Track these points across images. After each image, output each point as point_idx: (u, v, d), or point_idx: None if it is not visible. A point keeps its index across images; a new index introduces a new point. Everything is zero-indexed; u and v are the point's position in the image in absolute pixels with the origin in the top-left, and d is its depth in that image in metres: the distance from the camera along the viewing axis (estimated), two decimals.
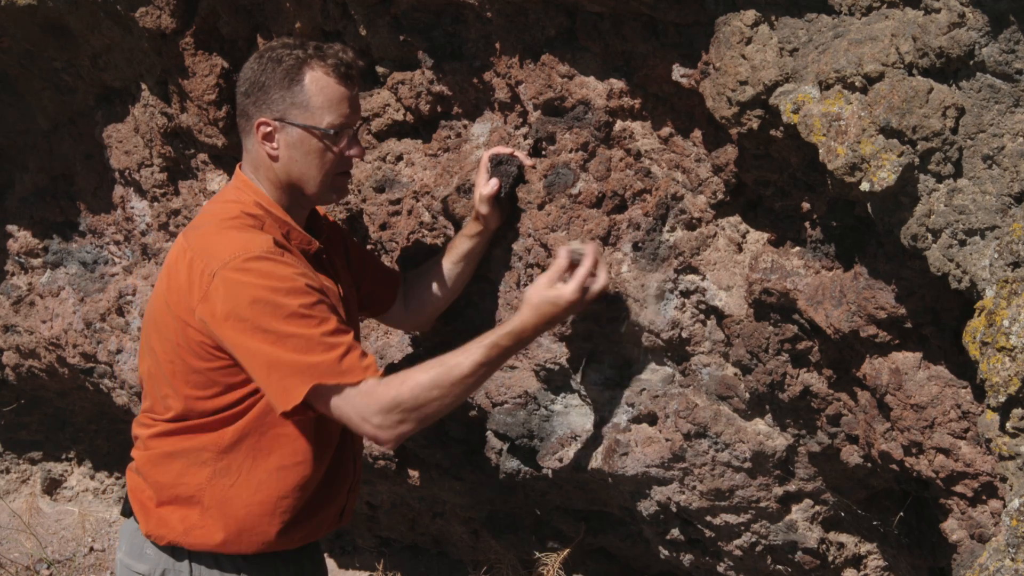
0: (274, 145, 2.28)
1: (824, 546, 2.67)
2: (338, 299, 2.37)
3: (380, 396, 2.12)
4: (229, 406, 2.22)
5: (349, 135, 2.31)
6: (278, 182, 2.31)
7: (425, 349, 2.96)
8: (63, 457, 4.77)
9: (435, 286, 2.70)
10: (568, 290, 2.25)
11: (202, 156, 3.22)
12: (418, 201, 2.83)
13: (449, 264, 2.68)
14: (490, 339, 2.21)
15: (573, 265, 2.30)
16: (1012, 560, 1.65)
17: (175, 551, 2.28)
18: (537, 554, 3.23)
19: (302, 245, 2.33)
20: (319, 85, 2.24)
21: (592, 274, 2.29)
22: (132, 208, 3.55)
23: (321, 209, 2.70)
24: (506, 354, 2.25)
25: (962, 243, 1.83)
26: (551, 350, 2.67)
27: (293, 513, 2.29)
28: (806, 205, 2.22)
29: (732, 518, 2.69)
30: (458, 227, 2.77)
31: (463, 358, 2.18)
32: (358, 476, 2.51)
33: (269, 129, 2.27)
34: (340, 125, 2.27)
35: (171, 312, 2.21)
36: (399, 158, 2.86)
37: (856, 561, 2.71)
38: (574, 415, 2.76)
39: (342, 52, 2.28)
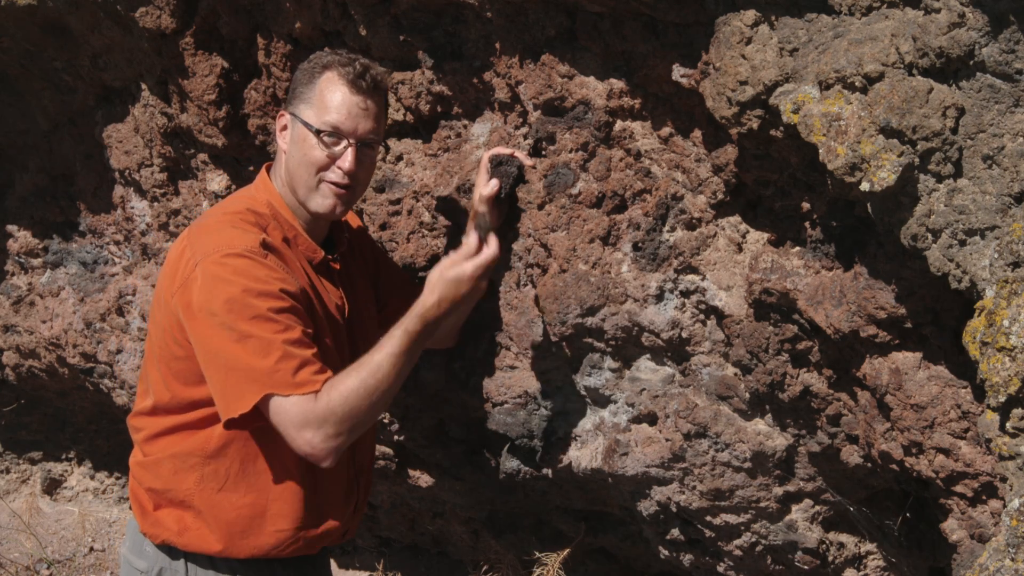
0: (286, 138, 2.32)
1: (824, 546, 2.67)
2: (336, 309, 2.36)
3: (316, 408, 2.10)
4: (210, 399, 2.21)
5: (352, 145, 2.27)
6: (286, 178, 2.34)
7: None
8: (63, 457, 4.77)
9: None
10: (469, 268, 2.27)
11: (202, 156, 3.22)
12: (418, 201, 2.83)
13: None
14: (400, 328, 2.23)
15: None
16: (1012, 560, 1.65)
17: (171, 550, 2.30)
18: (537, 554, 3.23)
19: (307, 253, 2.34)
20: (328, 85, 2.27)
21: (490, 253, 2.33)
22: (132, 208, 3.55)
23: (355, 221, 2.70)
24: (419, 339, 2.25)
25: (962, 243, 1.83)
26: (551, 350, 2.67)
27: (288, 520, 2.29)
28: (806, 205, 2.22)
29: (732, 518, 2.69)
30: (458, 227, 2.77)
31: (380, 356, 2.19)
32: (364, 495, 2.51)
33: (284, 122, 2.34)
34: (334, 128, 2.26)
35: (161, 297, 2.25)
36: (399, 158, 2.86)
37: (856, 561, 2.71)
38: (574, 415, 2.76)
39: (368, 65, 2.29)
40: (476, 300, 2.40)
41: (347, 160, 2.27)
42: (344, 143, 2.27)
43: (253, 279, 2.12)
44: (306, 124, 2.26)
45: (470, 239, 2.34)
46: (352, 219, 2.70)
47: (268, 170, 2.42)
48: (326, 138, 2.26)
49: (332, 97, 2.26)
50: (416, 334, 2.24)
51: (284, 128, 2.33)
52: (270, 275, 2.14)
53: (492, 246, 2.34)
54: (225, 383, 2.12)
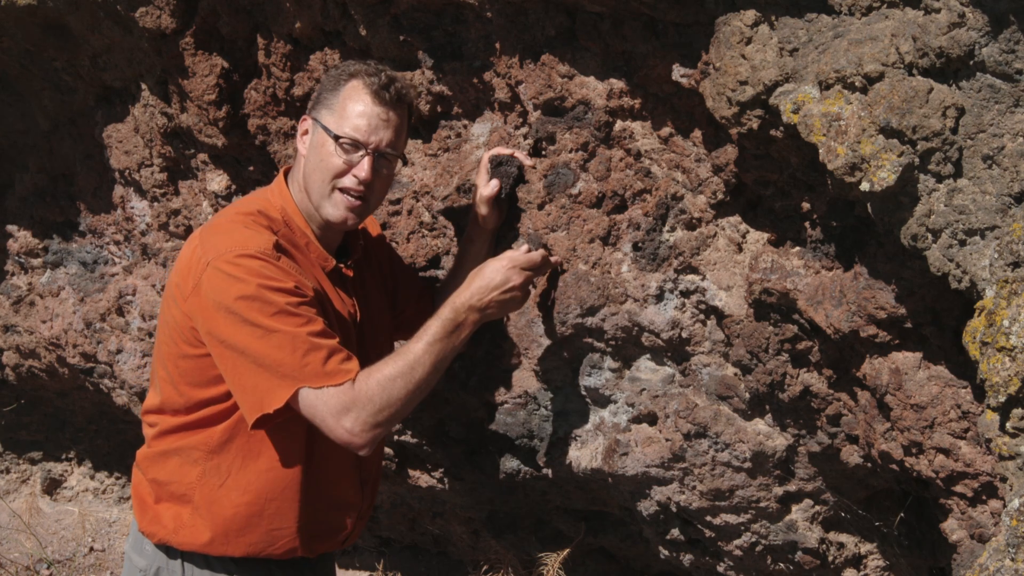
0: (306, 143, 2.33)
1: (824, 546, 2.67)
2: (348, 316, 2.36)
3: (354, 396, 2.12)
4: (217, 399, 2.22)
5: (370, 155, 2.26)
6: (303, 183, 2.33)
7: None
8: (63, 457, 4.77)
9: None
10: (505, 259, 2.34)
11: (202, 156, 3.22)
12: (418, 201, 2.83)
13: (462, 277, 2.67)
14: (436, 318, 2.27)
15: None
16: (1012, 560, 1.65)
17: (168, 550, 2.30)
18: (537, 554, 3.23)
19: (319, 261, 2.33)
20: (352, 94, 2.27)
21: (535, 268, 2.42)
22: (132, 208, 3.55)
23: (375, 228, 2.70)
24: (453, 328, 2.27)
25: (962, 243, 1.83)
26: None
27: (285, 520, 2.28)
28: (806, 205, 2.22)
29: (732, 518, 2.69)
30: (458, 228, 2.77)
31: (418, 345, 2.22)
32: (369, 504, 2.50)
33: (306, 126, 2.34)
34: (353, 138, 2.25)
35: (172, 295, 2.25)
36: None
37: (856, 561, 2.71)
38: (574, 415, 2.76)
39: (394, 77, 2.29)
40: (516, 301, 2.37)
41: (363, 169, 2.27)
42: (362, 152, 2.27)
43: (267, 277, 2.12)
44: (326, 129, 2.26)
45: (521, 245, 2.45)
46: (372, 226, 2.69)
47: (286, 174, 2.42)
48: (345, 145, 2.26)
49: (354, 106, 2.26)
50: (449, 322, 2.27)
51: (305, 132, 2.34)
52: (284, 274, 2.14)
53: (539, 253, 2.43)
54: (254, 381, 2.11)
